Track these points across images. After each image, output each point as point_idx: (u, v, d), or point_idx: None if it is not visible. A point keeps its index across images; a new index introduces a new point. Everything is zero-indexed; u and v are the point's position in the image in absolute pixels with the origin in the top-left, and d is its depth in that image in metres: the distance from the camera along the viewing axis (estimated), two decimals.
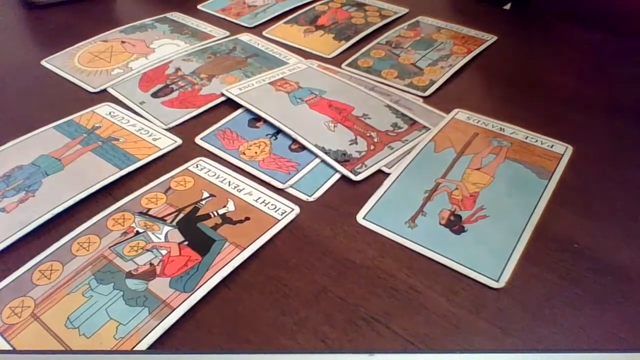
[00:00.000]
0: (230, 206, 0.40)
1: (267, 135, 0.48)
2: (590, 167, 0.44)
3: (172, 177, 0.43)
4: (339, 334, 0.32)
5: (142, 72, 0.56)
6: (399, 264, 0.36)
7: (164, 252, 0.36)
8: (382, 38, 0.63)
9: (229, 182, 0.42)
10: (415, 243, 0.37)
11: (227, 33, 0.64)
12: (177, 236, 0.37)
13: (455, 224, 0.38)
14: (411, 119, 0.49)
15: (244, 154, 0.45)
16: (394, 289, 0.34)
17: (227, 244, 0.37)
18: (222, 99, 0.52)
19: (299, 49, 0.61)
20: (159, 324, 0.31)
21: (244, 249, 0.36)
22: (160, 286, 0.34)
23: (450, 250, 0.36)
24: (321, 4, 0.71)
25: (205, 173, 0.43)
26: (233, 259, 0.35)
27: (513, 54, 0.61)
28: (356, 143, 0.46)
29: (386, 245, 0.37)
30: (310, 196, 0.41)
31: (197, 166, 0.44)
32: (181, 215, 0.39)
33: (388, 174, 0.43)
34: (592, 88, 0.54)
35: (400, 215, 0.39)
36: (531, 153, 0.45)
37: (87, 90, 0.54)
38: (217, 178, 0.43)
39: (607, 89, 0.54)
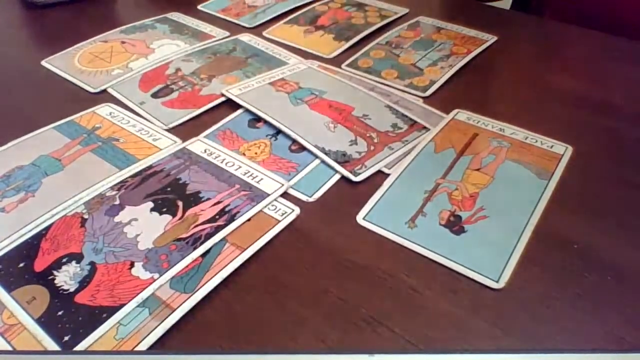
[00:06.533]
0: None
1: (267, 135, 0.48)
2: (590, 167, 0.44)
3: None
4: (339, 334, 0.32)
5: (142, 73, 0.56)
6: (398, 264, 0.36)
7: None
8: (382, 38, 0.63)
9: None
10: (415, 243, 0.37)
11: (227, 33, 0.64)
12: None
13: (455, 225, 0.38)
14: (411, 119, 0.49)
15: (244, 154, 0.45)
16: (394, 289, 0.34)
17: (227, 244, 0.37)
18: (222, 99, 0.52)
19: (299, 49, 0.61)
20: (159, 324, 0.31)
21: (244, 250, 0.36)
22: (160, 287, 0.34)
23: (450, 251, 0.36)
24: (321, 4, 0.71)
25: None
26: (233, 260, 0.35)
27: (513, 54, 0.61)
28: (356, 144, 0.46)
29: (386, 246, 0.37)
30: (310, 197, 0.41)
31: None
32: None
33: (388, 175, 0.43)
34: (592, 88, 0.54)
35: (400, 215, 0.39)
36: (531, 153, 0.45)
37: (87, 91, 0.54)
38: None
39: (607, 89, 0.54)
